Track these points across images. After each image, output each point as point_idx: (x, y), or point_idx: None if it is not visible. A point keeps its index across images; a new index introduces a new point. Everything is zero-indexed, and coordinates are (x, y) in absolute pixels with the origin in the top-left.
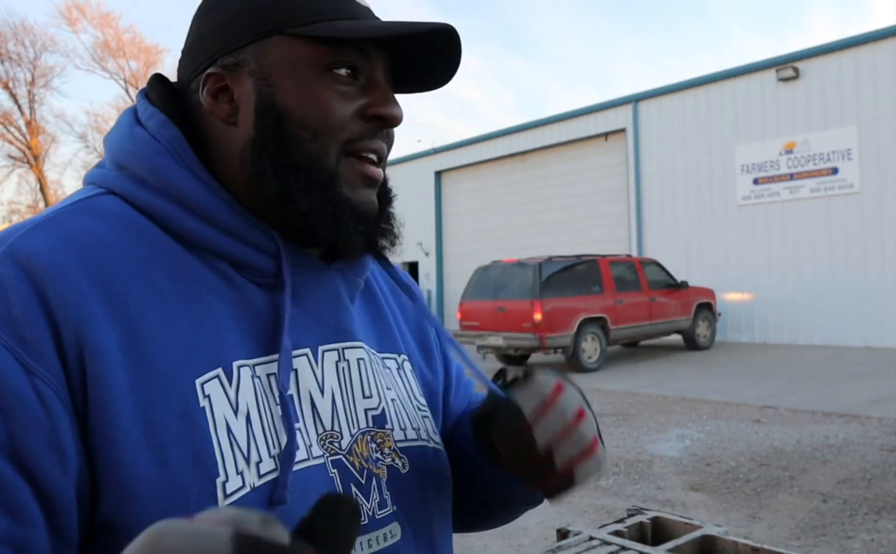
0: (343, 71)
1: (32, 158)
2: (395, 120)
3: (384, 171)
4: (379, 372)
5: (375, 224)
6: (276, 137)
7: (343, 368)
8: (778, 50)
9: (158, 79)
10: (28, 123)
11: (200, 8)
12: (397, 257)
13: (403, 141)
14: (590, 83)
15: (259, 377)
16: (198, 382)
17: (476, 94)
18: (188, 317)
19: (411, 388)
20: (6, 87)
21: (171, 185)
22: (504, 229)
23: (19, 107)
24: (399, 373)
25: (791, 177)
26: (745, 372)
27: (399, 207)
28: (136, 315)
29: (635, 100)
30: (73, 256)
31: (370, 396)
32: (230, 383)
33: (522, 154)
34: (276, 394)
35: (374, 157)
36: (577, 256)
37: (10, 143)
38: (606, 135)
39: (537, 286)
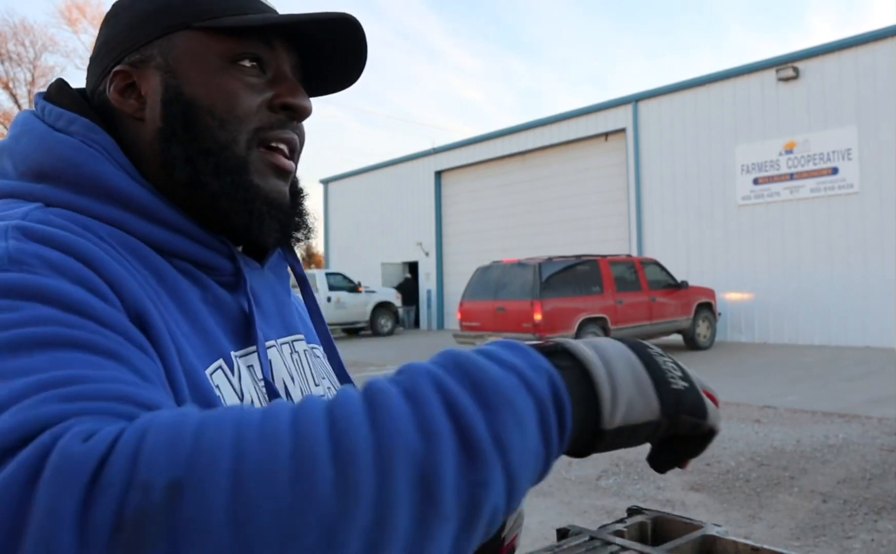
0: (248, 62)
1: None
2: (304, 110)
3: (296, 165)
4: (315, 362)
5: (287, 214)
6: (185, 125)
7: (296, 360)
8: (778, 50)
9: (62, 84)
10: None
11: (109, 13)
12: (397, 257)
13: (403, 141)
14: (590, 83)
15: (248, 368)
16: (206, 372)
17: (477, 95)
18: (180, 311)
19: (332, 376)
20: (6, 87)
21: (114, 190)
22: (504, 229)
23: (19, 107)
24: (322, 362)
25: (791, 177)
26: (745, 372)
27: (399, 208)
28: (150, 305)
29: (635, 100)
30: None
31: (318, 385)
32: (232, 373)
33: (522, 154)
34: (262, 384)
35: (284, 147)
36: (577, 257)
37: None
38: (606, 135)
39: (537, 286)
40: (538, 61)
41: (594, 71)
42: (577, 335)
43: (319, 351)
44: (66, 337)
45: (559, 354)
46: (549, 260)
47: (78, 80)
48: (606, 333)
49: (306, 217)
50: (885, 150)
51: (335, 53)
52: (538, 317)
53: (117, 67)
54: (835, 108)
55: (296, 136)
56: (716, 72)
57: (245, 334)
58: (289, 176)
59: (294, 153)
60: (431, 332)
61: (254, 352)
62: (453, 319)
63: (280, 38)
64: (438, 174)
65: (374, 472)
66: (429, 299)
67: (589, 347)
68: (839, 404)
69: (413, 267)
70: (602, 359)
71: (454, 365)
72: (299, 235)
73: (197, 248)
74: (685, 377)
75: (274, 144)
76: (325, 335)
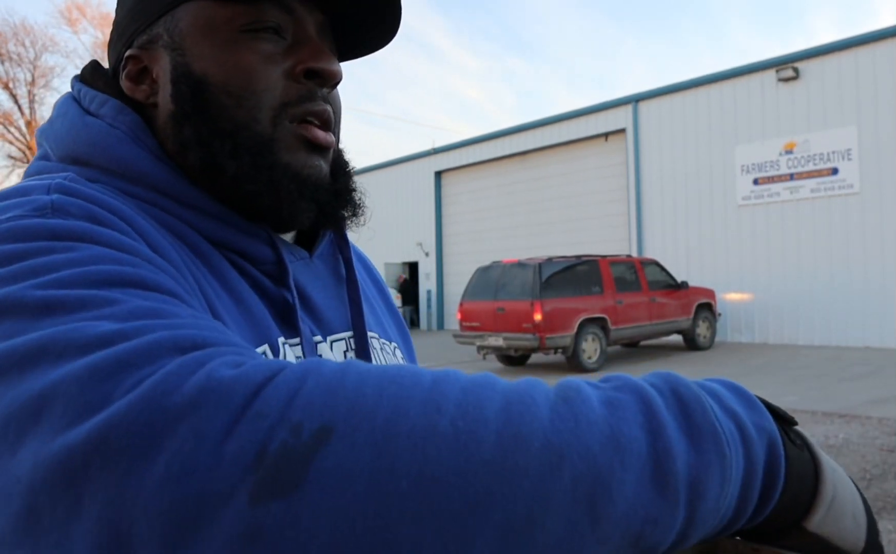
0: (263, 30)
1: (32, 158)
2: (331, 74)
3: (337, 137)
4: (389, 360)
5: (327, 191)
6: (197, 106)
7: (350, 358)
8: (779, 51)
9: (96, 65)
10: (28, 123)
11: None
12: (397, 257)
13: (403, 141)
14: (591, 84)
15: (296, 358)
16: None
17: (478, 95)
18: (224, 290)
19: None
20: (6, 87)
21: (141, 173)
22: (504, 229)
23: (19, 107)
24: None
25: (791, 177)
26: (745, 372)
27: (399, 208)
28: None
29: (635, 100)
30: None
31: None
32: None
33: (522, 154)
34: None
35: (315, 120)
36: (577, 257)
37: (10, 143)
38: (606, 135)
39: (537, 286)
40: (540, 61)
41: (596, 71)
42: (577, 335)
43: (391, 348)
44: (131, 276)
45: (794, 430)
46: (549, 260)
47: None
48: (607, 333)
49: (353, 194)
50: (885, 150)
51: (365, 10)
52: (538, 317)
53: (128, 52)
54: (835, 108)
55: (328, 107)
56: (716, 72)
57: (292, 325)
58: (326, 150)
59: (329, 125)
60: (431, 332)
61: (298, 344)
62: (453, 320)
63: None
64: (438, 174)
65: (537, 461)
66: (429, 299)
67: (814, 441)
68: (839, 404)
69: (413, 267)
70: (831, 465)
71: (670, 389)
72: (344, 214)
73: (233, 233)
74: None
75: (305, 118)
76: (402, 329)
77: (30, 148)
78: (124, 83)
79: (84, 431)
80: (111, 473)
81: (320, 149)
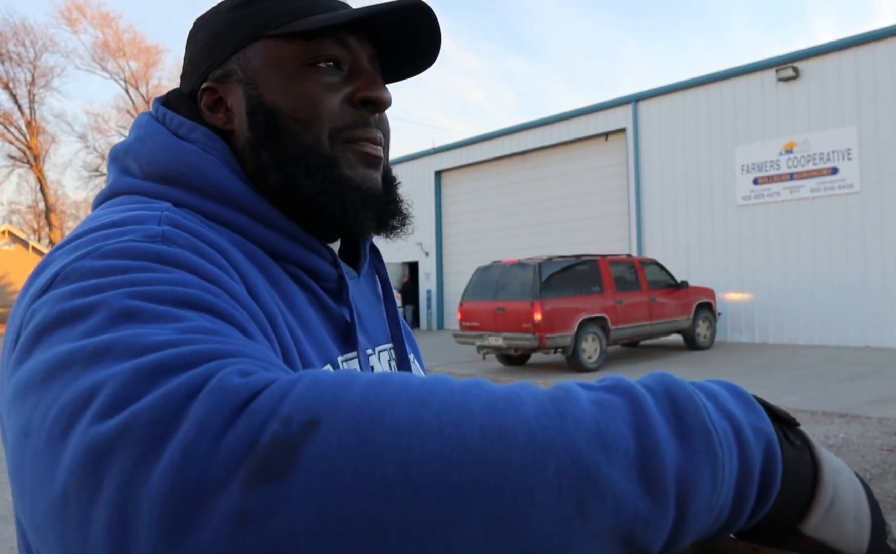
0: (324, 63)
1: (32, 158)
2: (383, 102)
3: (387, 153)
4: (415, 371)
5: (382, 202)
6: (271, 133)
7: (394, 366)
8: (780, 50)
9: (180, 93)
10: (28, 123)
11: (190, 31)
12: (398, 257)
13: (403, 141)
14: (592, 84)
15: None
16: None
17: (478, 95)
18: (293, 315)
19: None
20: (6, 87)
21: (231, 194)
22: (504, 229)
23: (19, 107)
24: (416, 368)
25: (791, 177)
26: (745, 372)
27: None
28: (273, 306)
29: (635, 100)
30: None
31: None
32: None
33: (522, 154)
34: None
35: (368, 140)
36: (577, 256)
37: (10, 143)
38: (606, 135)
39: (537, 286)
40: (541, 61)
41: (597, 71)
42: (577, 335)
43: (411, 359)
44: (209, 303)
45: (792, 429)
46: (549, 260)
47: (78, 79)
48: (607, 333)
49: (401, 204)
50: (885, 150)
51: (409, 40)
52: (538, 317)
53: (204, 84)
54: (835, 108)
55: (379, 133)
56: (716, 72)
57: (347, 340)
58: (380, 164)
59: (379, 142)
60: (431, 332)
61: (355, 357)
62: (453, 319)
63: (353, 34)
64: (438, 174)
65: (521, 454)
66: (429, 299)
67: (816, 442)
68: (839, 404)
69: (413, 267)
70: (829, 464)
71: (663, 390)
72: (395, 223)
73: (304, 252)
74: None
75: (360, 141)
76: (401, 342)
77: (29, 147)
78: (203, 111)
79: (115, 422)
80: (127, 460)
81: (375, 162)
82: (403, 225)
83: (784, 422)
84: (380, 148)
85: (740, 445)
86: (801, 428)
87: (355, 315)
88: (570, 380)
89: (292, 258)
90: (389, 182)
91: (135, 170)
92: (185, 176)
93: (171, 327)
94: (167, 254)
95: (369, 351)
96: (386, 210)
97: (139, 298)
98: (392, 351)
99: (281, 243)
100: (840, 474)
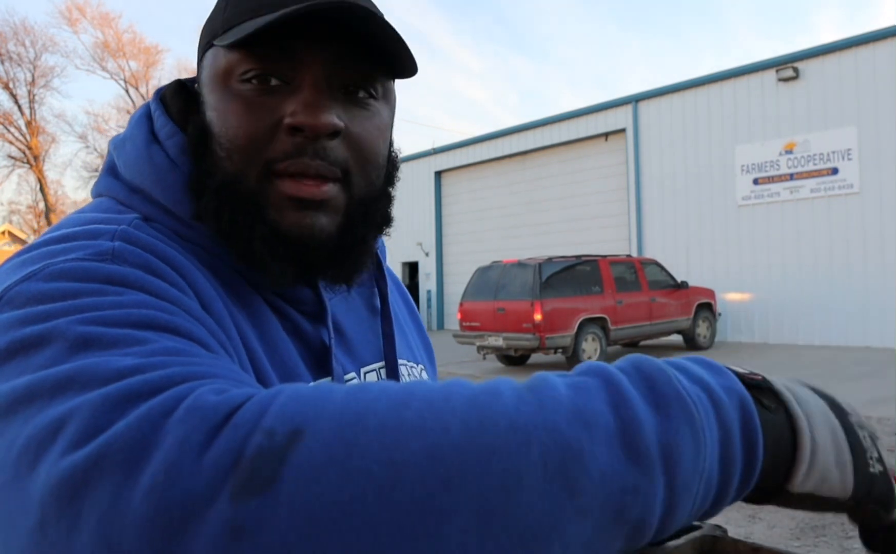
0: (254, 79)
1: (32, 158)
2: (316, 128)
3: (352, 185)
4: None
5: (317, 251)
6: (198, 155)
7: None
8: (782, 50)
9: (180, 87)
10: (28, 123)
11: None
12: (398, 257)
13: (404, 141)
14: (595, 84)
15: None
16: None
17: (481, 94)
18: (259, 340)
19: None
20: (6, 87)
21: (190, 222)
22: (504, 229)
23: (19, 107)
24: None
25: (791, 177)
26: None
27: (399, 208)
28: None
29: (635, 100)
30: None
31: None
32: None
33: (522, 154)
34: None
35: (304, 176)
36: (577, 257)
37: (10, 143)
38: (606, 135)
39: (537, 286)
40: (543, 62)
41: (600, 72)
42: (577, 335)
43: (418, 371)
44: (167, 322)
45: (765, 392)
46: (549, 260)
47: (78, 79)
48: (607, 333)
49: (355, 250)
50: (885, 151)
51: (366, 42)
52: (538, 317)
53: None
54: (835, 108)
55: (318, 162)
56: (716, 72)
57: (324, 365)
58: (323, 204)
59: (324, 178)
60: (431, 332)
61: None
62: (453, 319)
63: (301, 38)
64: (438, 174)
65: (504, 440)
66: (429, 299)
67: (789, 393)
68: None
69: (413, 267)
70: (805, 412)
71: (633, 367)
72: (336, 274)
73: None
74: (881, 460)
75: (292, 175)
76: (394, 363)
77: (29, 147)
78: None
79: (87, 451)
80: (106, 488)
81: (313, 203)
82: (352, 274)
83: (756, 387)
84: (325, 185)
85: (715, 405)
86: (770, 378)
87: (332, 338)
88: None
89: (260, 284)
90: (356, 221)
91: (119, 169)
92: (153, 191)
93: (135, 351)
94: (117, 274)
95: (351, 375)
96: (322, 258)
97: (94, 323)
98: (382, 371)
99: (243, 270)
100: (815, 418)
